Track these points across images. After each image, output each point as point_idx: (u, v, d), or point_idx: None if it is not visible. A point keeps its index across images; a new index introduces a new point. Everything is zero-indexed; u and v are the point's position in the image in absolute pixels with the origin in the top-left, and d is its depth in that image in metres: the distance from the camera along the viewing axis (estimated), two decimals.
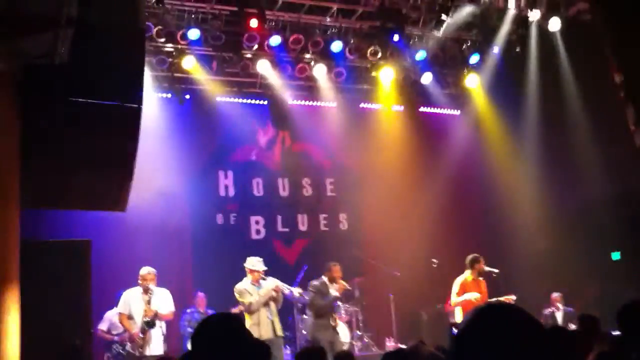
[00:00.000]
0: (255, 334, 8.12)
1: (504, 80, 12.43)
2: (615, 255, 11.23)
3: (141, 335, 8.52)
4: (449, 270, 10.27)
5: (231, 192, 12.38)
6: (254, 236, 12.34)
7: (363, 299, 11.52)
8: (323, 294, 9.11)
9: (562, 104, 11.50)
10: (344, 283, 9.22)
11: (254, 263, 9.10)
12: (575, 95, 11.32)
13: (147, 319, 8.53)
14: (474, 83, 12.63)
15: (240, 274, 10.22)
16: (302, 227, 12.77)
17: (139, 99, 5.66)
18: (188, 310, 10.67)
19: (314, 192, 13.01)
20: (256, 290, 8.93)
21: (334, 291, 9.15)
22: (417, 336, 11.25)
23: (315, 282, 9.24)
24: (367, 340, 11.11)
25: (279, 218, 12.61)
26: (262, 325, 8.69)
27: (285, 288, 9.10)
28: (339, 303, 10.73)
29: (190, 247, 11.61)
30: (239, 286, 8.98)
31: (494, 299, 9.26)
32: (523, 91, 12.15)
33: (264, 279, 8.98)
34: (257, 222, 12.39)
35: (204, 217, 11.88)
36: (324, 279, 9.24)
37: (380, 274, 11.55)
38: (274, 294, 8.88)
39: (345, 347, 10.51)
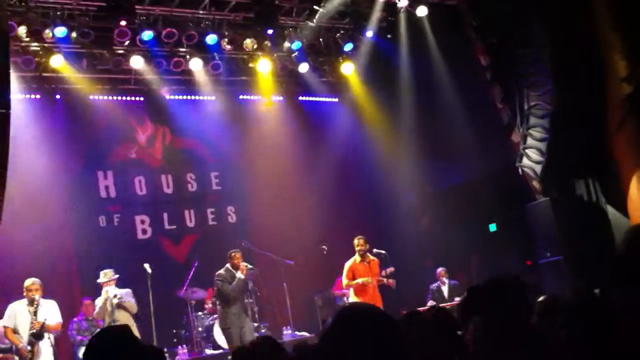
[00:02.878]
0: None
1: (378, 66, 12.77)
2: (492, 227, 11.89)
3: (29, 348, 8.19)
4: (339, 255, 10.49)
5: (112, 193, 11.99)
6: (140, 236, 12.03)
7: (257, 290, 11.55)
8: (229, 281, 9.39)
9: (434, 87, 11.96)
10: (245, 264, 9.55)
11: (103, 275, 9.42)
12: (445, 78, 11.79)
13: (34, 330, 8.21)
14: (349, 70, 12.86)
15: (130, 276, 10.04)
16: (190, 223, 12.58)
17: (6, 103, 5.39)
18: (75, 319, 10.32)
19: (199, 186, 12.84)
20: None
21: (239, 274, 9.44)
22: (313, 322, 11.47)
23: (220, 272, 9.50)
24: (264, 331, 11.14)
25: (165, 216, 12.36)
26: None
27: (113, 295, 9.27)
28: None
29: (74, 253, 11.15)
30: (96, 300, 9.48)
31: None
32: (397, 76, 12.52)
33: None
34: (142, 222, 12.09)
35: (85, 221, 11.46)
36: (228, 266, 9.52)
37: (272, 264, 11.61)
38: (114, 301, 9.15)
39: None
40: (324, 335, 2.36)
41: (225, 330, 9.47)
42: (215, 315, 11.06)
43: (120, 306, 9.29)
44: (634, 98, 8.90)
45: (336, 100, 13.89)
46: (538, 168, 10.33)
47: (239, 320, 9.38)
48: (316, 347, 2.53)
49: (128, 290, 9.62)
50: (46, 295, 8.70)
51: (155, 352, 3.73)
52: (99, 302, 9.38)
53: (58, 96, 11.48)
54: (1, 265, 9.83)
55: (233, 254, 9.61)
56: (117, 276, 9.50)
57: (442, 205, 12.04)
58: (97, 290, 10.33)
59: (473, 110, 11.29)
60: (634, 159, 9.11)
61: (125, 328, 3.78)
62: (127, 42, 10.90)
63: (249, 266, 9.63)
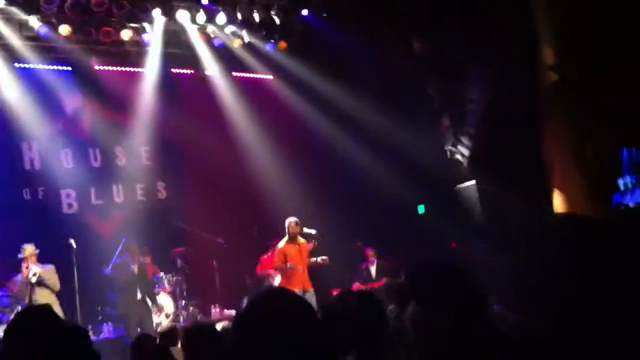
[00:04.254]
0: None
1: (312, 44, 12.71)
2: (421, 209, 12.11)
3: None
4: (272, 234, 10.49)
5: (37, 165, 11.59)
6: (66, 210, 11.69)
7: (186, 268, 11.46)
8: (122, 269, 9.87)
9: (366, 69, 11.98)
10: (140, 258, 10.11)
11: (23, 250, 9.30)
12: (376, 61, 11.81)
13: None
14: (284, 47, 12.76)
15: (54, 251, 9.78)
16: (118, 199, 12.27)
17: None
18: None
19: (129, 161, 12.53)
20: None
21: (130, 265, 9.90)
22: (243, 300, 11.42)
23: (116, 259, 9.99)
24: (192, 309, 11.10)
25: (93, 190, 12.03)
26: None
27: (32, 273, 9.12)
28: (161, 275, 10.81)
29: None
30: (15, 277, 9.30)
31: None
32: (330, 55, 12.49)
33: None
34: (68, 196, 11.74)
35: (9, 195, 11.02)
36: (125, 257, 10.03)
37: (202, 242, 11.52)
38: (32, 278, 9.00)
39: (170, 318, 10.52)
40: (236, 320, 2.46)
41: (123, 316, 9.93)
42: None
43: (40, 284, 9.06)
44: (559, 86, 9.19)
45: (271, 77, 13.75)
46: (466, 152, 10.57)
47: (135, 309, 9.82)
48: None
49: (51, 267, 9.37)
50: None
51: (78, 332, 3.66)
52: (19, 279, 9.14)
53: None
54: None
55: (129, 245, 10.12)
56: (37, 251, 9.24)
57: (373, 186, 12.10)
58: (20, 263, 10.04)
59: (405, 92, 11.39)
60: (558, 148, 9.43)
61: (48, 308, 3.68)
62: (55, 9, 10.50)
63: (142, 260, 10.18)
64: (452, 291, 3.63)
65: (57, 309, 9.09)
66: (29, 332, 3.23)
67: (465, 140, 10.52)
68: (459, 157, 10.66)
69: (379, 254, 11.68)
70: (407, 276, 5.27)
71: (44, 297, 9.01)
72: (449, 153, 10.79)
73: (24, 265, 9.21)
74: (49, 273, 9.28)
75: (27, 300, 9.01)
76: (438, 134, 11.04)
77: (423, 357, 3.17)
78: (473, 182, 10.51)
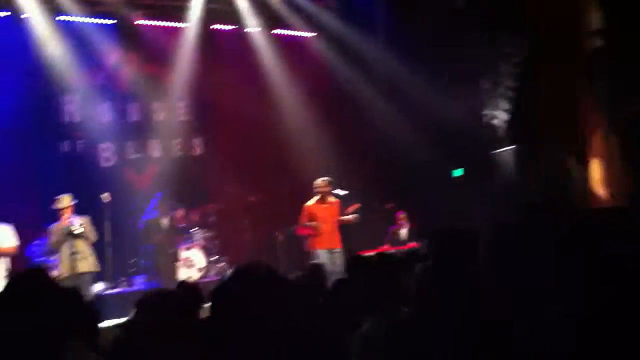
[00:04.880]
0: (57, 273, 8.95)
1: (354, 1, 12.46)
2: (456, 172, 11.84)
3: None
4: (307, 192, 10.42)
5: (76, 118, 11.79)
6: (103, 164, 11.90)
7: (219, 224, 11.57)
8: (154, 223, 10.08)
9: (406, 28, 11.68)
10: (170, 213, 10.28)
11: (59, 201, 9.19)
12: (418, 19, 11.48)
13: None
14: (325, 5, 12.56)
15: (90, 204, 9.92)
16: (155, 153, 12.43)
17: None
18: (36, 242, 10.24)
19: (166, 116, 12.61)
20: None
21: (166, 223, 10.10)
22: (273, 257, 11.47)
23: (149, 214, 10.17)
24: (222, 265, 11.25)
25: (130, 144, 12.21)
26: (63, 263, 8.92)
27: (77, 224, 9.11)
28: (194, 230, 10.93)
29: (34, 177, 10.86)
30: (50, 227, 9.22)
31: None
32: (371, 12, 12.22)
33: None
34: (106, 149, 11.94)
35: (48, 146, 11.29)
36: (157, 212, 10.14)
37: (235, 199, 11.59)
38: (76, 230, 8.99)
39: (202, 272, 10.72)
40: (216, 289, 2.50)
41: (155, 269, 10.31)
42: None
43: (79, 235, 9.14)
44: (603, 53, 8.75)
45: (310, 35, 13.54)
46: (505, 116, 10.26)
47: (170, 262, 10.15)
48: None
49: (87, 218, 9.51)
50: (2, 219, 8.65)
51: (72, 295, 3.74)
52: (56, 229, 9.18)
53: (25, 15, 11.10)
54: None
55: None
56: (74, 202, 9.24)
57: (408, 150, 11.86)
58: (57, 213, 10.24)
59: (445, 54, 11.05)
60: (596, 112, 9.03)
61: (41, 271, 3.78)
62: None
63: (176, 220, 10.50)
64: (464, 255, 3.54)
65: (93, 260, 9.26)
66: (22, 293, 3.31)
67: (504, 103, 10.18)
68: (496, 121, 10.35)
69: (411, 218, 11.54)
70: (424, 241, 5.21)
71: (81, 247, 9.12)
72: (487, 117, 10.48)
73: (63, 216, 9.32)
74: (86, 224, 9.42)
75: (64, 251, 9.11)
76: (475, 97, 10.72)
77: (421, 312, 3.13)
78: (511, 147, 10.22)
